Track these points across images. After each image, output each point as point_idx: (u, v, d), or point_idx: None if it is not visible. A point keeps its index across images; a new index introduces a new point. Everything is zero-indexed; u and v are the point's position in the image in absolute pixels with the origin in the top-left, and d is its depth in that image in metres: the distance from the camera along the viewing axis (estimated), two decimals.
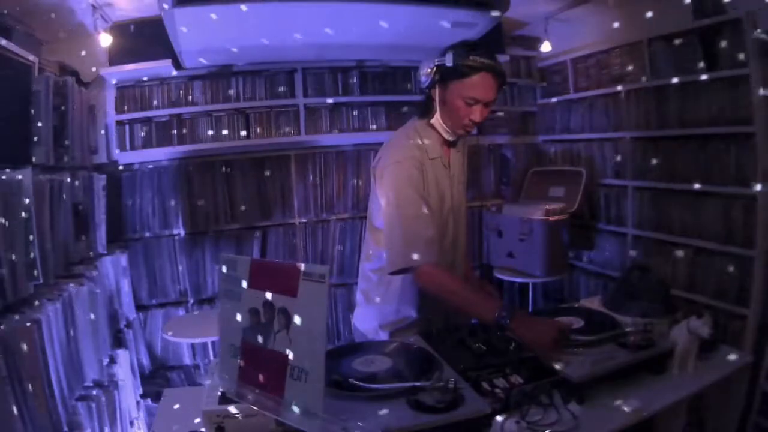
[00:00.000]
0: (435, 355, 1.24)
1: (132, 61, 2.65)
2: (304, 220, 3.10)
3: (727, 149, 2.24)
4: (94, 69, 2.64)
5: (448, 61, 1.41)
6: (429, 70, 1.46)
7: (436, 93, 1.48)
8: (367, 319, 1.63)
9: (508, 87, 3.40)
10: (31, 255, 1.66)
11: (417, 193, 1.42)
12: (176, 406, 1.29)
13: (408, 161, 1.44)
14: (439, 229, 1.48)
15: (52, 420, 1.62)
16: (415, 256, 1.36)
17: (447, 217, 1.56)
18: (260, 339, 1.02)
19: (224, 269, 1.11)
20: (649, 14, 2.51)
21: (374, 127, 3.13)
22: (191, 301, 2.97)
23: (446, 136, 1.54)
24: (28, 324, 1.56)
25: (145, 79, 2.83)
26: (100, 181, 2.54)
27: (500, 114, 3.41)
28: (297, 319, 0.97)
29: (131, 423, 2.36)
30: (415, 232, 1.38)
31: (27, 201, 1.65)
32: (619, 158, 2.88)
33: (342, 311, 3.14)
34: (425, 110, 1.54)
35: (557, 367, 1.15)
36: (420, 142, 1.50)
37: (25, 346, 1.50)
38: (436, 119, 1.52)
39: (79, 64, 2.52)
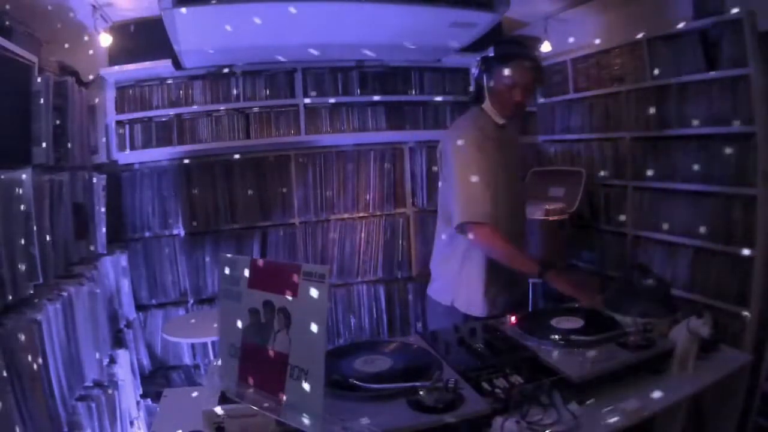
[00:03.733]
0: (435, 355, 1.24)
1: (132, 61, 2.66)
2: (304, 220, 3.11)
3: (727, 149, 2.24)
4: (94, 68, 2.64)
5: (491, 53, 1.73)
6: (477, 62, 1.76)
7: (484, 82, 1.75)
8: (441, 293, 1.85)
9: None
10: (31, 255, 1.66)
11: (477, 166, 1.67)
12: (176, 406, 1.29)
13: (472, 141, 1.70)
14: (494, 200, 1.69)
15: (52, 420, 1.62)
16: (477, 215, 1.64)
17: (500, 192, 1.73)
18: (260, 339, 1.02)
19: (224, 269, 1.11)
20: (649, 14, 2.51)
21: (374, 127, 3.13)
22: (191, 301, 2.97)
23: (496, 119, 1.77)
24: (28, 324, 1.56)
25: (144, 79, 2.83)
26: (100, 181, 2.54)
27: None
28: (297, 319, 0.97)
29: (131, 423, 2.36)
30: (476, 197, 1.65)
31: (27, 201, 1.65)
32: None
33: (342, 311, 3.14)
34: (477, 98, 1.81)
35: (555, 364, 1.15)
36: (479, 125, 1.76)
37: (25, 347, 1.50)
38: (487, 104, 1.78)
39: (79, 64, 2.52)
